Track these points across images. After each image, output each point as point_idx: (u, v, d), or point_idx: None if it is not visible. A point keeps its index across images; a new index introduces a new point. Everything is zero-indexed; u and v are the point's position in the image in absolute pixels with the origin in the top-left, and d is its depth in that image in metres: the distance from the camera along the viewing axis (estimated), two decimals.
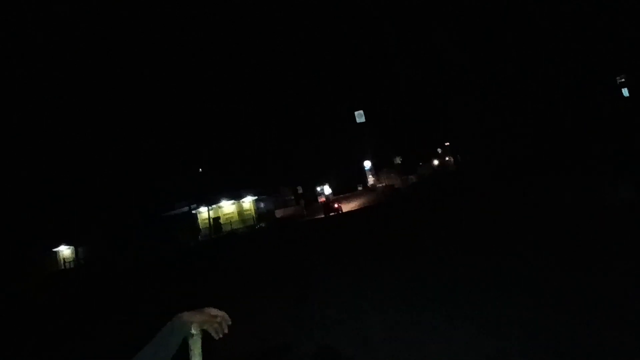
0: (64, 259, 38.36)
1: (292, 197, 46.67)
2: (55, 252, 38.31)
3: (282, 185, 43.43)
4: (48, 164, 32.78)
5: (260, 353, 4.40)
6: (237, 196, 37.68)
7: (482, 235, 7.70)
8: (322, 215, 31.11)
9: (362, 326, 4.33)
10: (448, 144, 49.57)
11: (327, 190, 48.75)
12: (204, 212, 36.43)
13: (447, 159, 50.42)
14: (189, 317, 1.11)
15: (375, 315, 4.68)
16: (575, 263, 5.03)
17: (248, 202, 38.64)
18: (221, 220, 36.97)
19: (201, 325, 1.12)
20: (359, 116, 48.19)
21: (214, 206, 36.43)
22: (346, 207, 33.47)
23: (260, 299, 6.44)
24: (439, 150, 53.03)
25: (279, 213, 40.38)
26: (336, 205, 32.69)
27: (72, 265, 35.63)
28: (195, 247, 26.39)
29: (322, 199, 43.26)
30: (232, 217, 37.59)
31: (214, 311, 1.16)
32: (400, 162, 50.02)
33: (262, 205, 40.17)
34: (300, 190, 47.04)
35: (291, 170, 43.23)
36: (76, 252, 37.58)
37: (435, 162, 52.32)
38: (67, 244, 37.77)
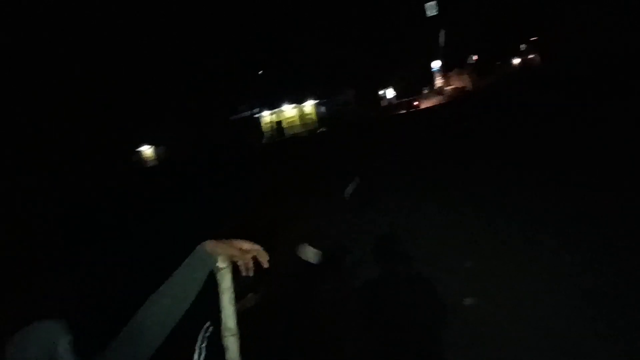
0: (146, 158, 42.56)
1: (354, 101, 45.29)
2: (139, 151, 42.46)
3: (345, 88, 41.95)
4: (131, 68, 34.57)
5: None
6: (298, 100, 37.48)
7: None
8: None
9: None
10: (535, 38, 42.90)
11: (390, 93, 46.38)
12: (266, 117, 37.12)
13: (530, 56, 44.04)
14: (212, 248, 0.87)
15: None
16: None
17: (309, 106, 38.38)
18: (283, 125, 37.63)
19: (230, 257, 0.89)
20: (431, 8, 42.74)
21: (276, 110, 36.81)
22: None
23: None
24: (523, 46, 46.20)
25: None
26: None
27: (154, 164, 39.58)
28: (260, 149, 27.51)
29: (384, 103, 42.19)
30: (294, 121, 38.00)
31: (246, 244, 0.90)
32: (474, 60, 45.02)
33: (322, 109, 39.73)
34: (362, 93, 45.19)
35: (354, 73, 41.10)
36: (156, 152, 41.35)
37: (516, 60, 46.11)
38: (148, 144, 41.47)
